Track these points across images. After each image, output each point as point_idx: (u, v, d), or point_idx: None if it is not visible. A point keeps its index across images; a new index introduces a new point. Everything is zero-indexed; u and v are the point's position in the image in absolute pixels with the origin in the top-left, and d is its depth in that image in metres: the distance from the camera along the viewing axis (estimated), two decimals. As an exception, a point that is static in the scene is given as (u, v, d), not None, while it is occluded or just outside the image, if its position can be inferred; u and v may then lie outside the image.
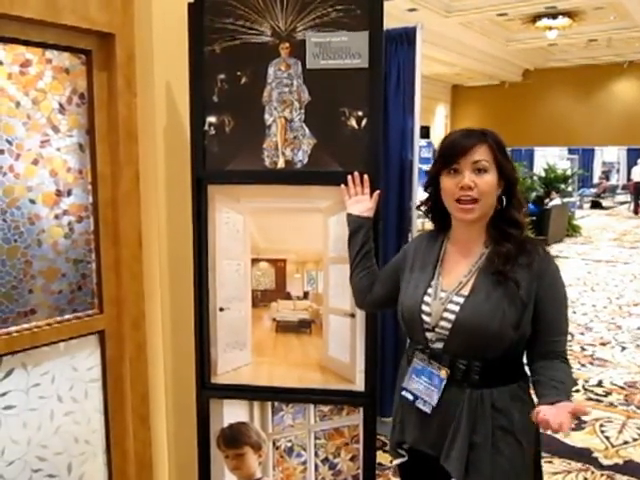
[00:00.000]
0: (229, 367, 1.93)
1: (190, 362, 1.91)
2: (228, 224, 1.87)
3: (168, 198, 1.95)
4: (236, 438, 1.94)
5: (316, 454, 1.94)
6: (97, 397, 1.83)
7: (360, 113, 1.74)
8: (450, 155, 1.39)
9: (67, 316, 1.71)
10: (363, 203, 1.69)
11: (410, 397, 1.47)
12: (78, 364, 1.76)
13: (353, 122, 1.75)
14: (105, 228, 1.77)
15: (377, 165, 1.78)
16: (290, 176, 1.80)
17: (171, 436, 2.05)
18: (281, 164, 1.80)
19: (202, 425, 1.93)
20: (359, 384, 1.86)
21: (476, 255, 1.44)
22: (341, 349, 1.87)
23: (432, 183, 1.48)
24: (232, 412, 1.95)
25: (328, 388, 1.88)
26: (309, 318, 1.90)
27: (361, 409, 1.88)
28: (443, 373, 1.40)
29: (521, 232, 1.42)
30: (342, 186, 1.73)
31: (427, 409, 1.42)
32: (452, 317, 1.38)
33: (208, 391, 1.93)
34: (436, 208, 1.51)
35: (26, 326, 1.60)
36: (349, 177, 1.72)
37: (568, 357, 1.42)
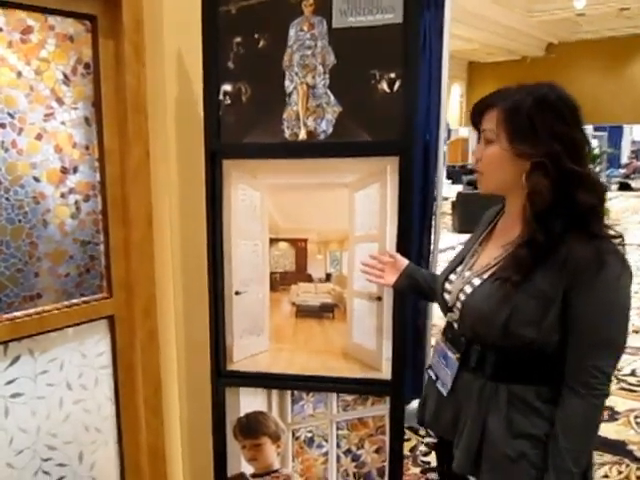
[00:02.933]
0: (246, 354, 1.91)
1: (204, 349, 1.88)
2: (245, 202, 1.84)
3: (180, 174, 1.92)
4: (253, 428, 1.93)
5: (338, 445, 1.92)
6: (107, 384, 1.82)
7: (393, 75, 1.65)
8: (473, 121, 1.32)
9: (75, 300, 1.69)
10: (391, 274, 1.68)
11: (433, 376, 1.46)
12: (87, 350, 1.74)
13: (384, 85, 1.66)
14: (113, 207, 1.74)
15: (412, 134, 1.69)
16: (313, 148, 1.74)
17: (185, 426, 2.05)
18: (303, 135, 1.74)
19: (218, 415, 1.92)
20: (385, 372, 1.81)
21: (510, 238, 1.30)
22: (366, 335, 1.83)
23: None
24: (249, 401, 1.94)
25: (352, 377, 1.85)
26: (332, 302, 1.86)
27: (387, 399, 1.84)
28: (456, 357, 1.37)
29: (569, 222, 1.19)
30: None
31: (444, 391, 1.40)
32: (463, 299, 1.33)
33: (224, 379, 1.91)
34: None
35: (32, 311, 1.58)
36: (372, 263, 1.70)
37: (603, 389, 1.19)
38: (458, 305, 1.34)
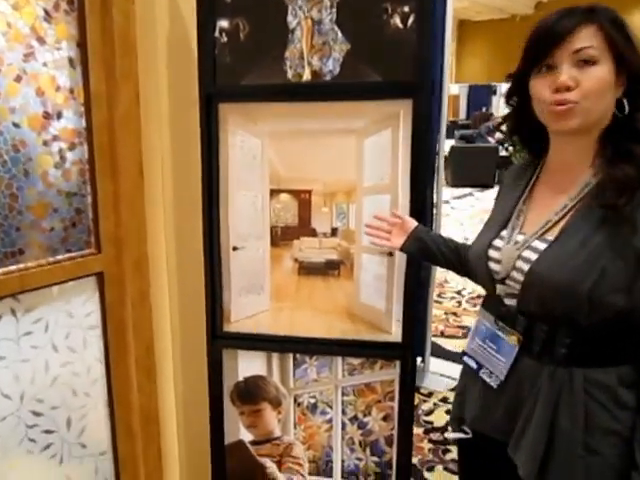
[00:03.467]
0: (244, 314, 1.91)
1: (200, 308, 1.88)
2: (243, 149, 1.81)
3: (173, 120, 1.87)
4: (253, 393, 1.94)
5: (343, 412, 1.93)
6: (97, 346, 1.80)
7: (406, 9, 1.61)
8: (540, 46, 1.13)
9: (60, 257, 1.65)
10: (399, 236, 1.62)
11: (473, 365, 1.33)
12: (74, 310, 1.72)
13: (397, 20, 1.62)
14: (101, 156, 1.70)
15: (428, 74, 1.66)
16: (318, 90, 1.72)
17: (180, 389, 2.05)
18: (307, 76, 1.70)
19: (214, 378, 1.93)
20: (395, 334, 1.81)
21: (578, 186, 1.16)
22: (375, 294, 1.82)
23: (517, 90, 1.25)
24: (248, 364, 1.95)
25: (359, 339, 1.84)
26: (338, 258, 1.86)
27: (397, 363, 1.85)
28: (513, 339, 1.22)
29: None
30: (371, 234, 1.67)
31: (493, 383, 1.26)
32: (526, 267, 1.17)
33: (221, 341, 1.92)
34: (524, 126, 1.30)
35: (13, 268, 1.54)
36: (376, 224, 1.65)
37: None
38: (516, 275, 1.20)
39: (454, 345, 4.16)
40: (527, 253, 1.19)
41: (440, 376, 3.62)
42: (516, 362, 1.21)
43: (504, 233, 1.27)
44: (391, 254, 1.76)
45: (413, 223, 1.62)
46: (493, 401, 1.26)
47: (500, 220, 1.31)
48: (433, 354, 3.84)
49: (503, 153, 10.69)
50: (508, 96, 1.28)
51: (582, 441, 1.12)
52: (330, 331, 1.86)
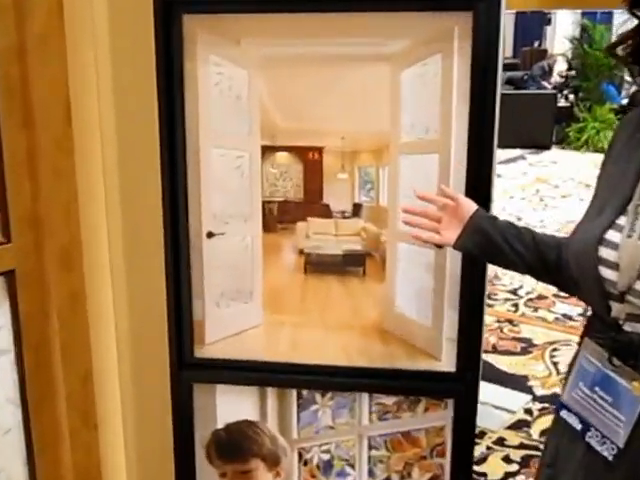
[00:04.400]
0: (225, 332, 1.83)
1: (160, 324, 1.82)
2: (220, 85, 1.70)
3: (115, 41, 1.78)
4: (238, 446, 1.87)
5: (371, 473, 1.85)
6: (8, 378, 1.73)
7: None
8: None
9: None
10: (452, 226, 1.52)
11: (576, 424, 1.23)
12: None
13: None
14: (8, 96, 1.61)
15: None
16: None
17: (131, 440, 2.01)
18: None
19: (182, 425, 1.86)
20: (447, 360, 1.73)
21: None
22: (418, 302, 1.74)
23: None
24: (232, 405, 1.88)
25: (394, 367, 1.76)
26: (362, 249, 1.76)
27: (450, 402, 1.76)
28: (638, 387, 1.14)
29: None
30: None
31: (607, 452, 1.16)
32: None
33: (190, 371, 1.84)
34: None
35: None
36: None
37: None
38: None
39: (510, 364, 3.91)
40: None
41: (494, 408, 3.33)
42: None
43: (622, 221, 1.18)
44: (441, 245, 1.66)
45: (471, 206, 1.52)
46: (605, 475, 1.20)
47: (614, 200, 1.21)
48: (483, 377, 3.61)
49: (562, 103, 10.42)
50: (633, 3, 1.21)
51: None
52: (351, 356, 1.79)
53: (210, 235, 1.78)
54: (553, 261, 1.40)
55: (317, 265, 1.79)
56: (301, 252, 1.79)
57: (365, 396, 1.82)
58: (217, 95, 1.72)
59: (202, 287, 1.81)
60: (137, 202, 1.89)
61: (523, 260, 1.45)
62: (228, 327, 1.83)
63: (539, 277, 1.51)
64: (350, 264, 1.78)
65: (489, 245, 1.48)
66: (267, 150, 1.75)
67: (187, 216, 1.77)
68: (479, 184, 1.62)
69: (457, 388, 1.75)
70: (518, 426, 3.21)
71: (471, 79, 1.60)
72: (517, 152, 10.26)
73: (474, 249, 1.52)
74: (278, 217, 1.79)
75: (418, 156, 1.68)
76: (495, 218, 1.54)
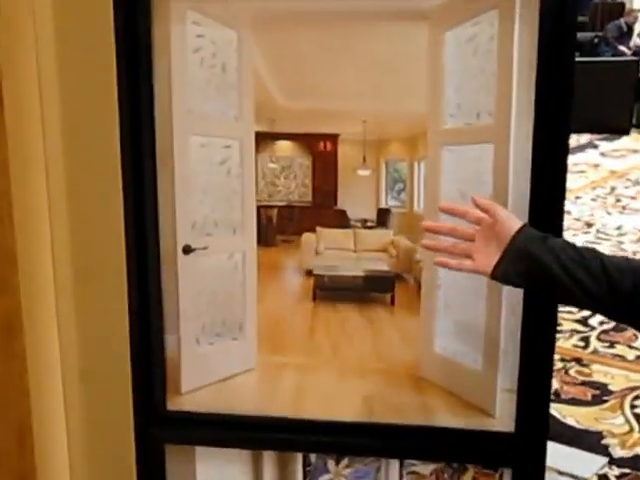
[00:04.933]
0: (208, 377, 1.72)
1: (122, 366, 1.70)
2: (201, 52, 1.59)
3: None
4: None
5: None
6: None
7: None
8: None
9: None
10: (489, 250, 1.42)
11: None
12: None
13: None
14: None
15: None
16: None
17: None
18: None
19: None
20: (503, 418, 1.60)
21: None
22: (465, 340, 1.65)
23: None
24: (216, 473, 1.81)
25: (432, 425, 1.65)
26: (390, 270, 1.67)
27: (507, 472, 1.66)
28: None
29: None
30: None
31: None
32: None
33: (162, 429, 1.73)
34: None
35: None
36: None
37: None
38: None
39: (579, 417, 3.56)
40: None
41: (558, 475, 3.28)
42: None
43: None
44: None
45: (513, 222, 1.41)
46: None
47: None
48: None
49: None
50: None
51: None
52: (375, 410, 1.67)
53: (187, 250, 1.67)
54: (629, 293, 1.30)
55: (330, 290, 1.71)
56: (309, 273, 1.70)
57: (394, 463, 1.76)
58: (196, 65, 1.60)
59: (177, 318, 1.70)
60: (90, 207, 1.80)
61: (588, 292, 1.34)
62: (211, 371, 1.73)
63: (610, 314, 1.44)
64: (374, 289, 1.69)
65: (540, 274, 1.38)
66: (264, 138, 1.67)
67: (157, 226, 1.66)
68: (549, 186, 1.49)
69: (516, 453, 1.63)
70: (591, 497, 3.07)
71: (539, 44, 1.45)
72: (585, 138, 9.67)
73: (519, 279, 1.41)
74: (278, 227, 1.71)
75: (466, 147, 1.57)
76: (547, 237, 1.42)
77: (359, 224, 1.65)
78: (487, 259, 1.41)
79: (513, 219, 1.43)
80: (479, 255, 1.42)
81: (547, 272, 1.36)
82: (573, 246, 1.40)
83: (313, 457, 1.78)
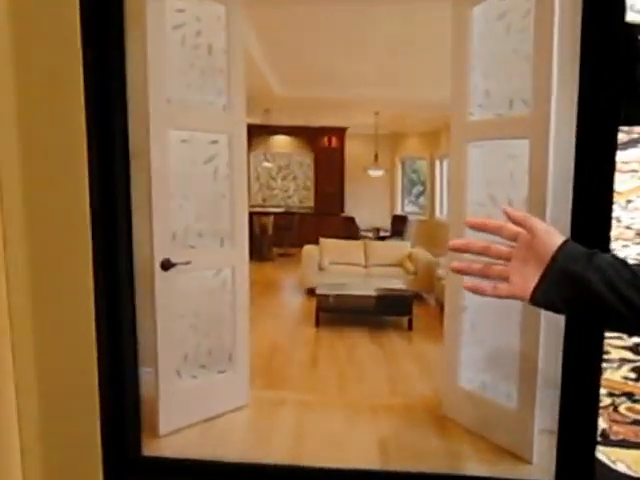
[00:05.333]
0: (190, 417, 1.63)
1: (90, 405, 1.63)
2: (183, 29, 1.49)
3: None
4: None
5: None
6: None
7: None
8: None
9: None
10: (524, 272, 1.20)
11: None
12: None
13: None
14: None
15: None
16: None
17: None
18: None
19: None
20: (541, 463, 1.52)
21: None
22: (496, 374, 1.56)
23: None
24: None
25: (458, 474, 1.55)
26: (408, 289, 1.69)
27: None
28: None
29: None
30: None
31: None
32: None
33: (137, 477, 1.71)
34: None
35: None
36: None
37: None
38: None
39: (630, 461, 3.52)
40: None
41: None
42: None
43: None
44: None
45: (554, 237, 1.20)
46: None
47: None
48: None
49: None
50: None
51: None
52: (390, 455, 1.57)
53: (167, 266, 1.57)
54: None
55: (336, 313, 1.66)
56: (311, 292, 1.69)
57: (414, 520, 1.57)
58: (177, 45, 1.51)
59: (155, 347, 1.59)
60: (50, 215, 1.65)
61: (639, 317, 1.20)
62: (194, 409, 1.63)
63: None
64: (388, 312, 1.63)
65: (585, 296, 1.16)
66: (257, 132, 1.84)
67: (130, 237, 1.62)
68: (595, 189, 1.44)
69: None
70: None
71: (582, 21, 1.40)
72: (636, 131, 10.21)
73: (561, 304, 1.18)
74: (275, 237, 1.83)
75: (497, 143, 1.47)
76: (593, 254, 1.19)
77: (370, 234, 1.63)
78: (525, 282, 1.21)
79: (553, 233, 1.24)
80: (516, 277, 1.22)
81: (594, 295, 1.17)
82: (624, 263, 1.23)
83: (317, 511, 1.59)
